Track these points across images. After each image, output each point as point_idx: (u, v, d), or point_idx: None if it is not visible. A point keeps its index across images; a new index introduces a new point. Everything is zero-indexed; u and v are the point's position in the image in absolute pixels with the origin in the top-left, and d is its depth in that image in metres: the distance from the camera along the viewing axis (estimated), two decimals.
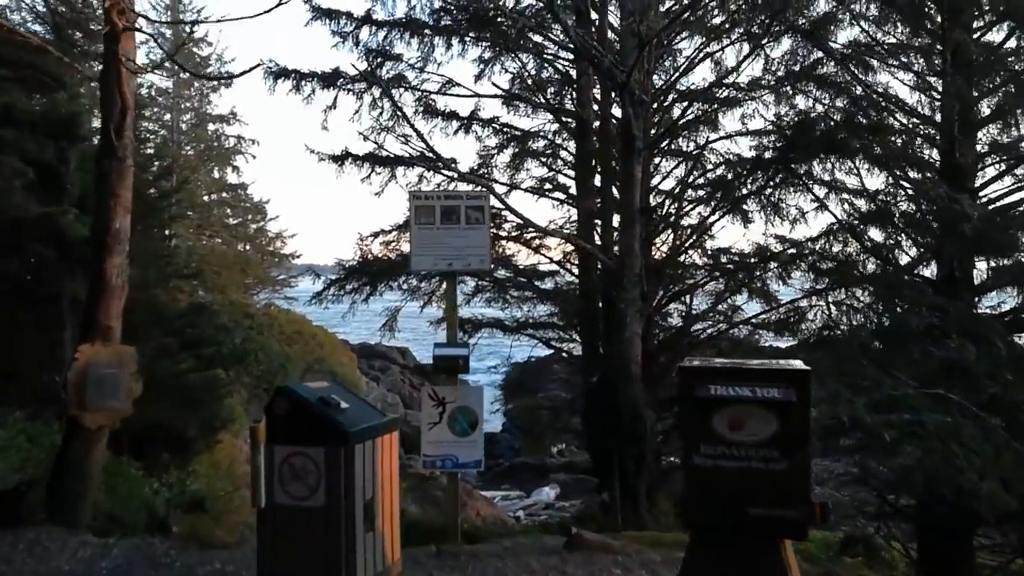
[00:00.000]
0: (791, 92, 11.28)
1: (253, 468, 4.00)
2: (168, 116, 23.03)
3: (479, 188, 10.29)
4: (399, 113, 10.86)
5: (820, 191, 11.48)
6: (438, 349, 5.23)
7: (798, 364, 3.90)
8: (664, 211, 12.09)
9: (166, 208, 12.58)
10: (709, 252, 12.60)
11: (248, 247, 24.45)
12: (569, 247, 12.38)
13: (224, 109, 27.43)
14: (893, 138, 9.51)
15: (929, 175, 9.44)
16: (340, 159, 11.93)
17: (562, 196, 12.64)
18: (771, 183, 11.22)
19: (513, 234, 11.72)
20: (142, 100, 21.28)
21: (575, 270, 12.18)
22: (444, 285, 12.67)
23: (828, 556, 10.54)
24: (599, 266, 10.21)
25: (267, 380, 19.20)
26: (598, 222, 11.02)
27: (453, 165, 10.66)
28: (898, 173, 9.05)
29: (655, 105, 11.46)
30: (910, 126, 9.78)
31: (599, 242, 10.36)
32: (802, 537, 3.83)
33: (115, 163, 4.93)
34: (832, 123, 8.92)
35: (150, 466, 11.55)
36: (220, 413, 13.28)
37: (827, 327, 10.97)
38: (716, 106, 12.05)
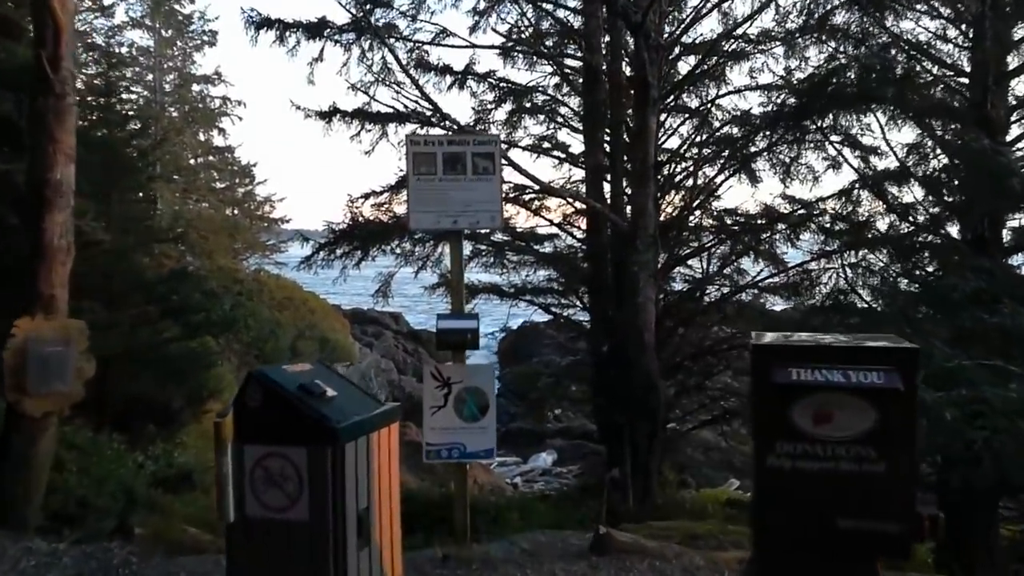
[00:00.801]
0: (805, 44, 10.32)
1: (218, 474, 3.13)
2: (151, 76, 21.66)
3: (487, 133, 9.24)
4: (391, 59, 9.77)
5: (832, 150, 10.70)
6: (443, 322, 4.32)
7: (902, 341, 3.05)
8: (671, 171, 11.12)
9: (145, 168, 11.50)
10: (714, 213, 11.72)
11: (236, 211, 23.27)
12: (570, 208, 11.45)
13: (208, 69, 26.03)
14: (924, 89, 8.57)
15: (955, 127, 8.55)
16: (327, 115, 10.89)
17: (562, 155, 11.64)
18: (786, 139, 10.31)
19: (512, 195, 10.75)
20: (122, 58, 19.95)
21: (576, 232, 11.26)
22: (440, 250, 11.86)
23: None
24: (609, 227, 9.24)
25: (257, 347, 18.35)
26: (607, 181, 9.98)
27: (449, 120, 9.61)
28: (931, 125, 8.13)
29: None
30: (938, 76, 8.85)
31: (608, 202, 9.37)
32: (904, 556, 3.00)
33: (52, 100, 3.96)
34: (863, 71, 7.95)
35: (135, 439, 10.76)
36: (207, 383, 12.42)
37: (841, 291, 10.16)
38: (724, 60, 11.05)
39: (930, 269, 9.32)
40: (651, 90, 7.41)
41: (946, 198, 8.78)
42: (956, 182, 8.13)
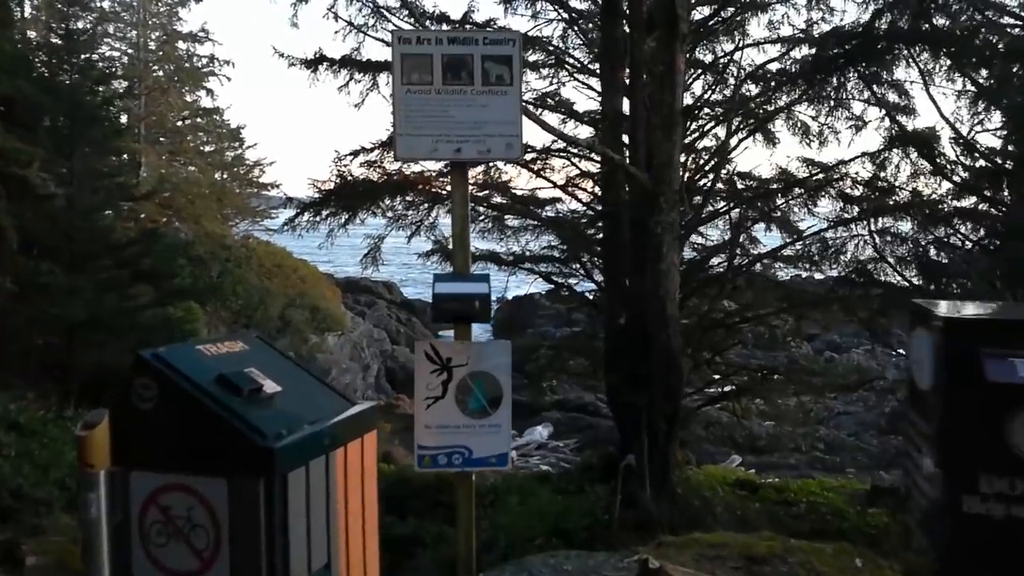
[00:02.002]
0: None
1: (84, 520, 1.89)
2: (134, 33, 20.01)
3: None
4: None
5: (859, 108, 9.52)
6: (441, 284, 3.07)
7: None
8: (683, 130, 9.84)
9: (111, 117, 10.10)
10: (724, 178, 10.48)
11: (225, 176, 21.77)
12: (574, 171, 10.19)
13: (194, 26, 24.34)
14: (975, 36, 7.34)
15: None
16: (314, 64, 9.57)
17: (565, 112, 10.33)
18: (810, 94, 9.08)
19: None
20: (104, 14, 18.34)
21: (582, 196, 10.00)
22: (435, 213, 10.60)
23: (855, 510, 8.90)
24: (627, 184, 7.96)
25: (246, 315, 17.12)
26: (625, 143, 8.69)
27: None
28: (992, 73, 6.92)
29: None
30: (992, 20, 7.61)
31: (626, 155, 8.11)
32: None
33: None
34: (922, 3, 6.69)
35: None
36: None
37: (870, 260, 9.03)
38: (740, 10, 9.75)
39: (972, 236, 8.24)
40: (680, 24, 6.13)
41: (997, 159, 7.62)
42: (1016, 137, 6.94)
